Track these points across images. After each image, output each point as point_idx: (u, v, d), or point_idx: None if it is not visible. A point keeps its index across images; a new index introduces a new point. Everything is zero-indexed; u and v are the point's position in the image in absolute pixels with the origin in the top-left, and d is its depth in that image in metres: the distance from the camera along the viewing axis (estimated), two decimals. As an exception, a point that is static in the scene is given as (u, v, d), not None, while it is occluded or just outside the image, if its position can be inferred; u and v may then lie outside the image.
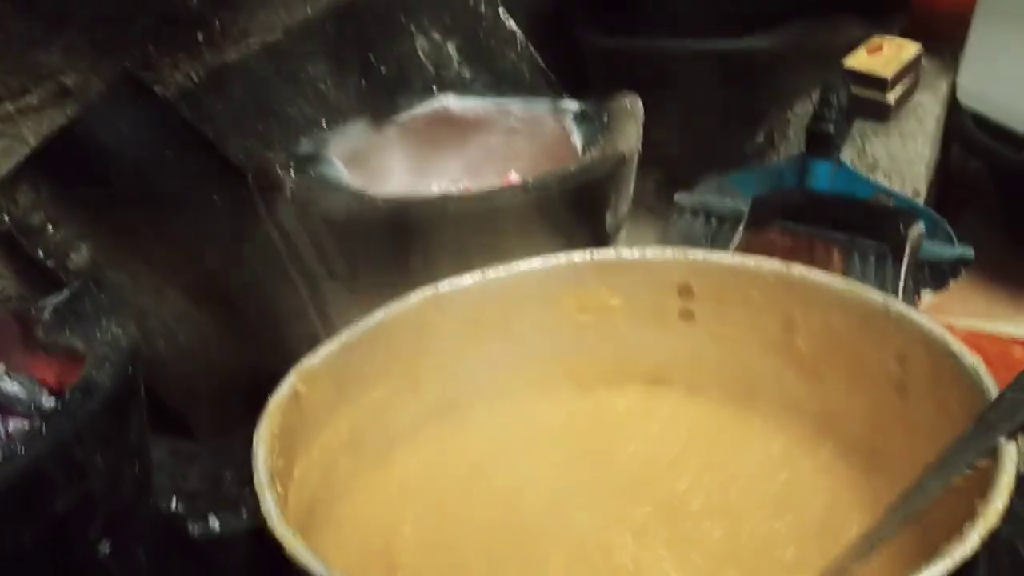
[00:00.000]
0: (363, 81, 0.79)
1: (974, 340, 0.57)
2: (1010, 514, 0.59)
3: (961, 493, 0.36)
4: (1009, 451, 0.37)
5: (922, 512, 0.38)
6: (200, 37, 0.72)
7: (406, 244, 0.58)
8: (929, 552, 0.32)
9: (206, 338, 0.75)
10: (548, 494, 0.47)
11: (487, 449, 0.50)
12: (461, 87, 0.78)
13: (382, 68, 0.79)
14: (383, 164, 0.71)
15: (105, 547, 0.30)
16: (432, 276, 0.52)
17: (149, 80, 0.69)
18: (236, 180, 0.69)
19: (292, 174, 0.60)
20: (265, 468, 0.39)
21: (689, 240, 0.73)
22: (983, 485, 0.35)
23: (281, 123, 0.74)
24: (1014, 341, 0.67)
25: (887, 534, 0.38)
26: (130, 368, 0.45)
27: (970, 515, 0.34)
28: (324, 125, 0.71)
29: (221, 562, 0.30)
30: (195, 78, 0.72)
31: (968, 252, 0.66)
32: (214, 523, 0.64)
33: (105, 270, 0.68)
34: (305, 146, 0.66)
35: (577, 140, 0.65)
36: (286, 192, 0.60)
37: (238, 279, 0.74)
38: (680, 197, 0.76)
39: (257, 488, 0.38)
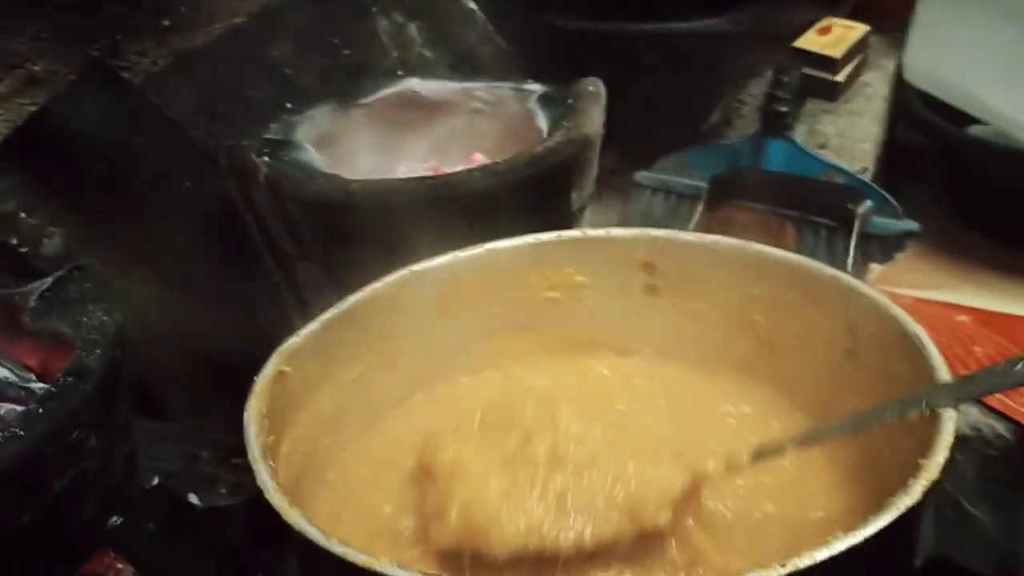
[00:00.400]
0: (328, 64, 0.80)
1: (920, 308, 0.61)
2: (955, 473, 0.62)
3: (908, 455, 0.39)
4: (949, 412, 0.40)
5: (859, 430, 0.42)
6: (166, 23, 0.72)
7: (378, 226, 0.60)
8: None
9: (177, 320, 0.75)
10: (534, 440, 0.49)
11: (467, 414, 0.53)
12: (425, 69, 0.80)
13: (346, 51, 0.80)
14: (351, 146, 0.73)
15: (116, 521, 0.31)
16: (404, 255, 0.54)
17: (117, 67, 0.70)
18: (206, 164, 0.70)
19: (266, 159, 0.61)
20: (257, 444, 0.41)
21: (649, 217, 0.76)
22: (926, 445, 0.38)
23: (248, 107, 0.75)
24: (958, 308, 0.70)
25: (827, 435, 0.42)
26: (118, 352, 0.47)
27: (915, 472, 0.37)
28: (291, 108, 0.72)
29: (225, 531, 0.32)
30: (162, 64, 0.72)
31: (914, 225, 0.69)
32: (194, 500, 0.66)
33: (79, 255, 0.68)
34: (276, 131, 0.67)
35: (542, 122, 0.67)
36: (260, 177, 0.61)
37: (209, 262, 0.75)
38: (640, 176, 0.79)
39: (252, 463, 0.40)
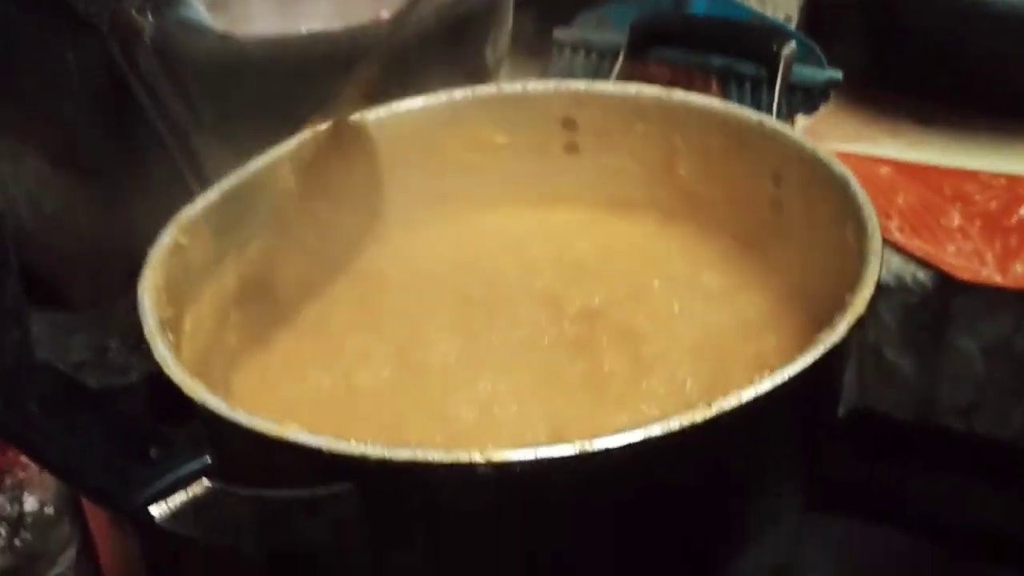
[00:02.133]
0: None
1: (843, 160, 0.60)
2: (877, 322, 0.63)
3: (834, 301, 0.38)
4: (873, 246, 0.39)
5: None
6: None
7: (277, 88, 0.56)
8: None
9: (72, 204, 0.71)
10: (457, 311, 0.48)
11: (385, 283, 0.51)
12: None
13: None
14: (245, 8, 0.68)
15: (-7, 402, 0.29)
16: (305, 118, 0.51)
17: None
18: (88, 32, 0.65)
19: (150, 18, 0.56)
20: (153, 316, 0.39)
21: (570, 75, 0.73)
22: (852, 283, 0.37)
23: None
24: (879, 161, 0.70)
25: None
26: (-4, 233, 0.43)
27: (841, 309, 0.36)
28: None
29: (120, 410, 0.30)
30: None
31: (837, 75, 0.68)
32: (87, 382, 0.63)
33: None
34: (159, -11, 0.62)
35: (452, -25, 0.63)
36: (144, 39, 0.56)
37: (100, 139, 0.71)
38: (558, 33, 0.75)
39: (147, 336, 0.37)
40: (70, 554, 0.51)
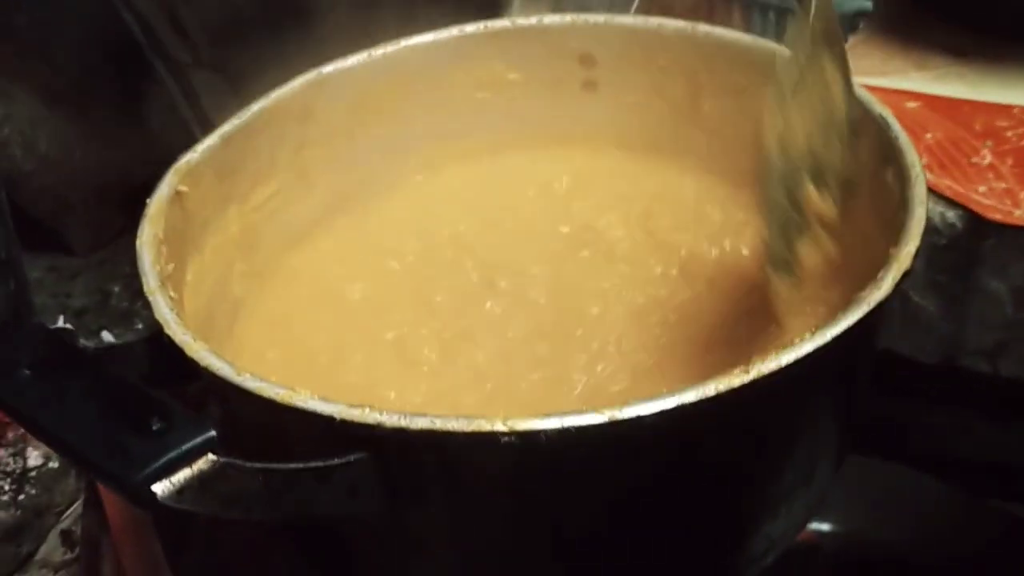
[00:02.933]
0: None
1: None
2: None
3: (874, 246, 0.36)
4: (918, 196, 0.37)
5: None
6: None
7: (278, 21, 0.53)
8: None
9: (68, 143, 0.69)
10: (472, 255, 0.46)
11: (396, 229, 0.49)
12: None
13: None
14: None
15: (-18, 368, 0.27)
16: (310, 57, 0.48)
17: None
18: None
19: (141, -51, 0.53)
20: (154, 273, 0.36)
21: (583, 4, 0.70)
22: (895, 234, 0.35)
23: None
24: (907, 95, 0.67)
25: None
26: (-15, 179, 0.41)
27: (883, 262, 0.34)
28: None
29: (117, 373, 0.28)
30: None
31: (867, 4, 0.65)
32: (108, 338, 0.62)
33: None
34: (152, -83, 0.58)
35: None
36: (137, -29, 0.53)
37: (94, 74, 0.68)
38: (572, -40, 0.72)
39: (148, 294, 0.35)
40: (76, 508, 0.50)
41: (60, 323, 0.62)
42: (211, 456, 0.26)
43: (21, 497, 0.47)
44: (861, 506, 0.58)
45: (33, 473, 0.48)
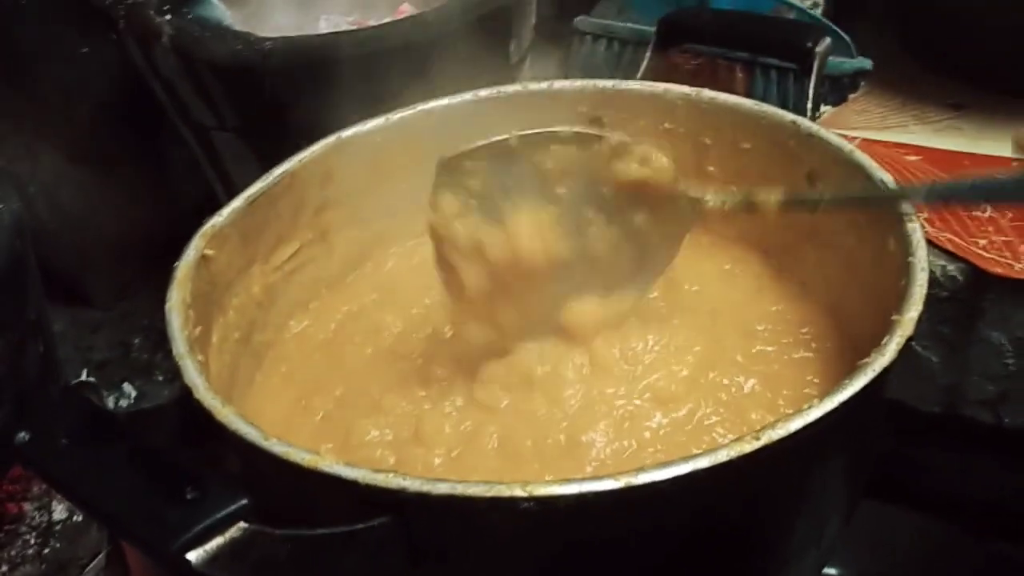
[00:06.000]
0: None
1: (869, 148, 0.58)
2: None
3: (879, 310, 0.37)
4: (919, 262, 0.38)
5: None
6: None
7: (300, 89, 0.55)
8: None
9: (91, 200, 0.71)
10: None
11: (405, 285, 0.50)
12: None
13: None
14: (264, 1, 0.67)
15: (23, 436, 0.28)
16: (329, 120, 0.50)
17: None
18: (104, 27, 0.63)
19: (168, 18, 0.55)
20: (182, 337, 0.38)
21: (592, 66, 0.72)
22: (898, 299, 0.36)
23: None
24: (908, 148, 0.69)
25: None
26: (18, 243, 0.42)
27: (887, 328, 0.35)
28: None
29: (146, 436, 0.29)
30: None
31: (867, 64, 0.66)
32: (129, 390, 0.63)
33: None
34: (176, -15, 0.60)
35: (474, -35, 0.61)
36: (163, 38, 0.55)
37: (117, 134, 0.70)
38: (580, 22, 0.74)
39: (177, 359, 0.36)
40: (99, 561, 0.51)
41: (83, 376, 0.63)
42: (243, 524, 0.27)
43: (46, 551, 0.48)
44: (868, 549, 0.58)
45: (58, 527, 0.49)
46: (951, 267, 0.61)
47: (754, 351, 0.43)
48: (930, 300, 0.61)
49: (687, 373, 0.41)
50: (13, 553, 0.47)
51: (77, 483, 0.28)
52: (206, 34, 0.55)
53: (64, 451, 0.28)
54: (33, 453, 0.29)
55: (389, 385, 0.44)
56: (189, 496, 0.27)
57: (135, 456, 0.29)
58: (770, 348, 0.43)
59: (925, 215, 0.62)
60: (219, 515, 0.27)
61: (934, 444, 0.66)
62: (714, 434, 0.38)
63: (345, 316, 0.50)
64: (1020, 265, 0.59)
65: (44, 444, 0.29)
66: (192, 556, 0.26)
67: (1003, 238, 0.61)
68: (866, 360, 0.33)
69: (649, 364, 0.41)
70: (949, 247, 0.61)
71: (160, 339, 0.70)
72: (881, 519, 0.59)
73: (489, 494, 0.29)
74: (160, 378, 0.66)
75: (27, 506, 0.49)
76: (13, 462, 0.36)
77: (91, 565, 0.51)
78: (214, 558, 0.26)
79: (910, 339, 0.34)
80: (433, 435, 0.40)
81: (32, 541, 0.49)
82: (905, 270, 0.37)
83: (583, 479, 0.29)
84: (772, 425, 0.30)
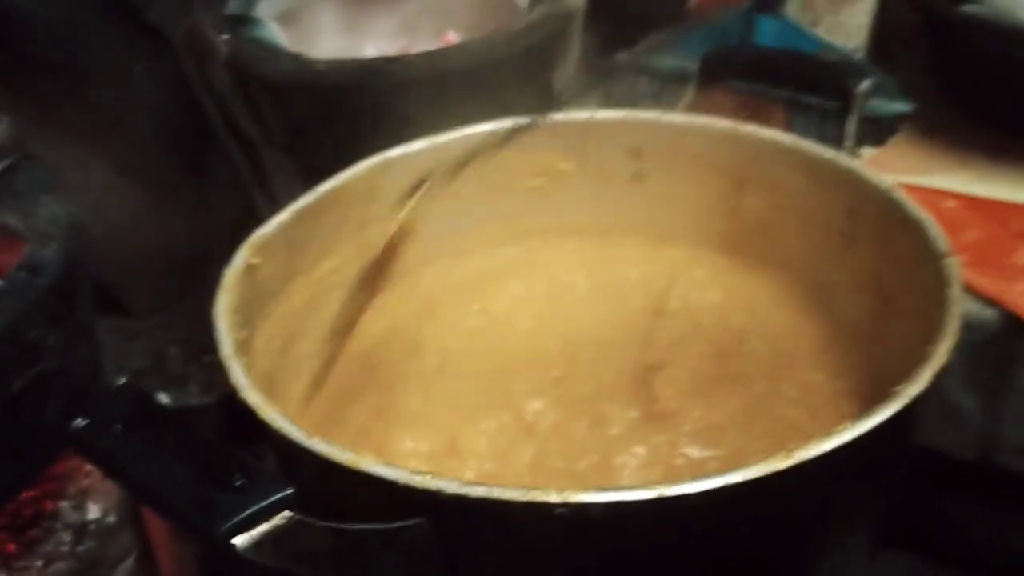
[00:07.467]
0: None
1: (908, 193, 0.59)
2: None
3: (909, 343, 0.37)
4: (954, 295, 0.38)
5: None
6: None
7: (348, 109, 0.57)
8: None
9: (135, 212, 0.72)
10: (518, 330, 0.48)
11: (445, 302, 0.51)
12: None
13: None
14: (314, 24, 0.68)
15: (80, 423, 0.29)
16: (376, 140, 0.51)
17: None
18: (159, 44, 0.66)
19: (226, 38, 0.57)
20: (229, 340, 0.39)
21: (633, 100, 0.73)
22: (930, 332, 0.37)
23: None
24: (945, 194, 0.69)
25: None
26: (74, 245, 0.44)
27: (920, 359, 0.35)
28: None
29: (200, 434, 0.30)
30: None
31: (907, 107, 0.67)
32: (164, 400, 0.64)
33: (27, 145, 0.64)
34: (235, 6, 0.62)
35: (521, -3, 0.63)
36: (219, 57, 0.57)
37: (168, 150, 0.72)
38: (622, 57, 0.75)
39: (223, 360, 0.38)
40: (129, 562, 0.52)
41: (121, 382, 0.64)
42: (287, 513, 0.28)
43: (79, 548, 0.49)
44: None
45: (92, 526, 0.50)
46: (987, 312, 0.61)
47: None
48: (966, 345, 0.62)
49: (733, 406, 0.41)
50: (48, 549, 0.48)
51: (130, 468, 0.29)
52: (261, 54, 0.57)
53: (119, 438, 0.30)
54: (89, 439, 0.30)
55: (427, 399, 0.45)
56: (237, 483, 0.28)
57: (186, 445, 0.30)
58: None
59: (963, 259, 0.63)
60: (265, 503, 0.28)
61: (968, 494, 0.65)
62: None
63: (383, 331, 0.51)
64: (1057, 312, 0.59)
65: (100, 431, 0.30)
66: (238, 541, 0.27)
67: (1041, 285, 0.61)
68: (898, 388, 0.33)
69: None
70: (986, 292, 0.61)
71: (196, 351, 0.72)
72: (910, 572, 0.59)
73: (524, 499, 0.29)
74: (194, 388, 0.67)
75: (64, 504, 0.50)
76: (66, 448, 0.37)
77: (121, 565, 0.51)
78: (258, 544, 0.27)
79: (943, 368, 0.34)
80: (468, 448, 0.40)
81: (66, 539, 0.50)
82: (940, 304, 0.37)
83: (617, 488, 0.29)
84: (804, 445, 0.30)
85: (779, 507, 0.32)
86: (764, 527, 0.33)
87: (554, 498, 0.29)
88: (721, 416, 0.41)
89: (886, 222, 0.45)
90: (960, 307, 0.38)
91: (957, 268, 0.40)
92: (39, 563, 0.47)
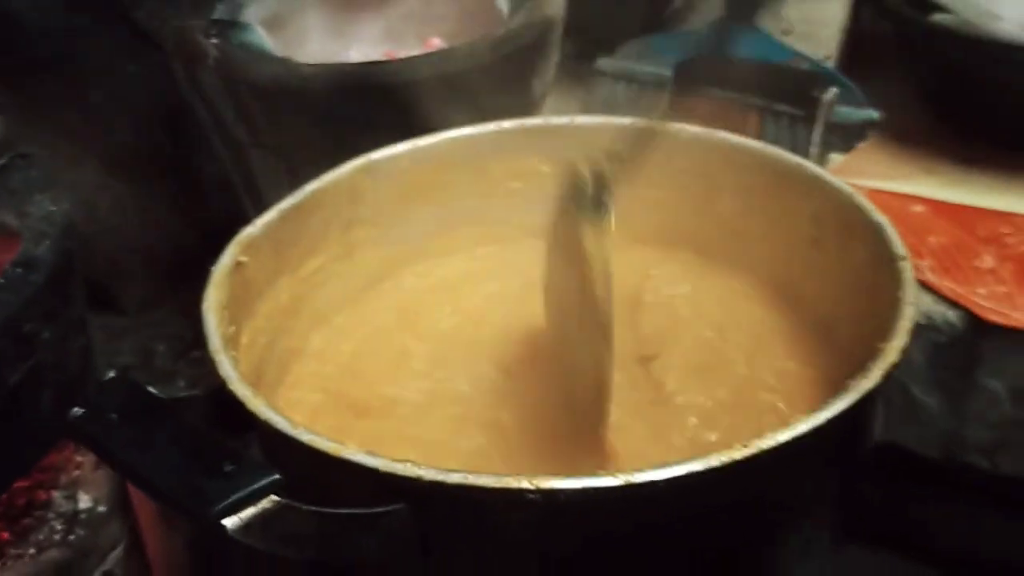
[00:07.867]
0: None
1: (877, 198, 0.60)
2: (905, 360, 0.64)
3: (865, 342, 0.39)
4: (908, 296, 0.40)
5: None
6: None
7: (334, 112, 0.58)
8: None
9: (126, 211, 0.74)
10: (497, 321, 0.50)
11: (426, 297, 0.53)
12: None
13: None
14: (301, 29, 0.70)
15: (77, 412, 0.31)
16: (360, 142, 0.53)
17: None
18: (151, 48, 0.67)
19: (215, 42, 0.59)
20: (217, 335, 0.40)
21: (612, 106, 0.75)
22: (885, 331, 0.39)
23: (192, -13, 0.71)
24: (913, 199, 0.71)
25: None
26: (68, 242, 0.45)
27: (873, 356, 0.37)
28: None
29: (192, 424, 0.32)
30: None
31: (875, 114, 0.69)
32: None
33: (21, 143, 0.65)
34: (223, 11, 0.64)
35: (502, 3, 0.65)
36: (209, 61, 0.58)
37: (157, 150, 0.73)
38: (602, 63, 0.77)
39: (212, 354, 0.39)
40: (119, 551, 0.53)
41: (113, 374, 0.65)
42: (274, 497, 0.30)
43: (71, 537, 0.51)
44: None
45: (83, 515, 0.51)
46: (951, 314, 0.62)
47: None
48: (930, 346, 0.64)
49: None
50: (41, 537, 0.49)
51: (125, 455, 0.31)
52: (249, 57, 0.58)
53: (114, 426, 0.31)
54: (86, 427, 0.31)
55: (406, 401, 0.47)
56: (226, 470, 0.29)
57: (178, 433, 0.31)
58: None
59: (928, 262, 0.64)
60: (253, 487, 0.29)
61: (933, 491, 0.67)
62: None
63: (366, 332, 0.53)
64: (1018, 314, 0.61)
65: (96, 420, 0.31)
66: (228, 523, 0.29)
67: (1003, 288, 0.63)
68: (852, 382, 0.35)
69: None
70: (949, 295, 0.63)
71: (183, 348, 0.73)
72: (876, 567, 0.60)
73: (498, 485, 0.31)
74: (181, 384, 0.68)
75: (56, 494, 0.51)
76: (62, 438, 0.39)
77: (112, 554, 0.53)
78: (247, 526, 0.29)
79: (894, 365, 0.36)
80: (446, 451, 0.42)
81: (58, 527, 0.51)
82: (894, 304, 0.39)
83: (586, 475, 0.31)
84: (760, 436, 0.32)
85: (740, 494, 0.34)
86: (727, 513, 0.34)
87: (526, 484, 0.31)
88: (718, 399, 0.43)
89: (848, 226, 0.47)
90: (913, 308, 0.40)
91: (911, 271, 0.42)
92: (32, 551, 0.49)
